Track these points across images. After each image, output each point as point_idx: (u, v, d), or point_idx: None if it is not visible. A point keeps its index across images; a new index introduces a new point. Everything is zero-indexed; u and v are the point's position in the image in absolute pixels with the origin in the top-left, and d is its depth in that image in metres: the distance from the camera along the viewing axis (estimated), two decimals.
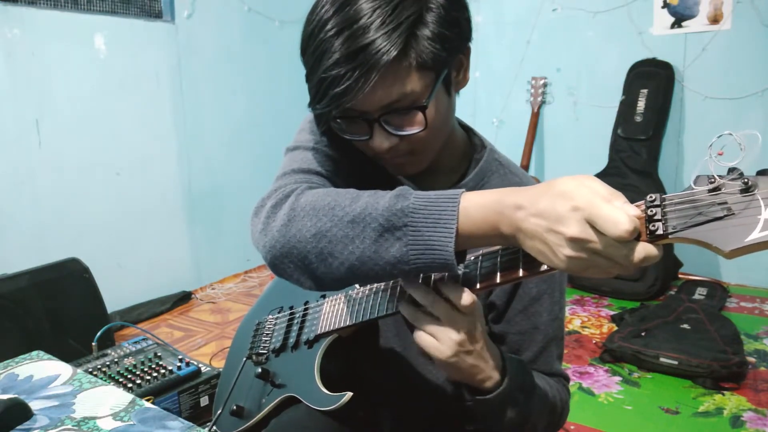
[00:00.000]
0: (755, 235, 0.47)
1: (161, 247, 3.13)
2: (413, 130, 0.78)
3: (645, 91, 3.21)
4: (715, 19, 3.09)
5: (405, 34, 0.72)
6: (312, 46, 0.75)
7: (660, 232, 0.53)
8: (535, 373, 0.86)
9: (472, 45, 0.84)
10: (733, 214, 0.49)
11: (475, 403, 0.77)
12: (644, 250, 0.53)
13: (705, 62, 3.14)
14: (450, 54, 0.77)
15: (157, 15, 3.02)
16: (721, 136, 0.51)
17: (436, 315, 0.70)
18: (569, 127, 3.57)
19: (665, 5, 3.20)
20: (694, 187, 0.52)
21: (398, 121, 0.78)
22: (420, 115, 0.77)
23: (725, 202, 0.50)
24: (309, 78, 0.77)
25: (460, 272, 0.71)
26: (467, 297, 0.68)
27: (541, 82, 3.53)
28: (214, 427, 1.02)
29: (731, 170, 0.50)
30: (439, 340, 0.70)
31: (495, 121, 3.79)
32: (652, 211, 0.54)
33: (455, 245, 0.62)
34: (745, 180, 0.49)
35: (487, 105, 3.80)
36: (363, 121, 0.78)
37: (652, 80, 3.19)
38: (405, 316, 0.74)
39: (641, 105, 3.21)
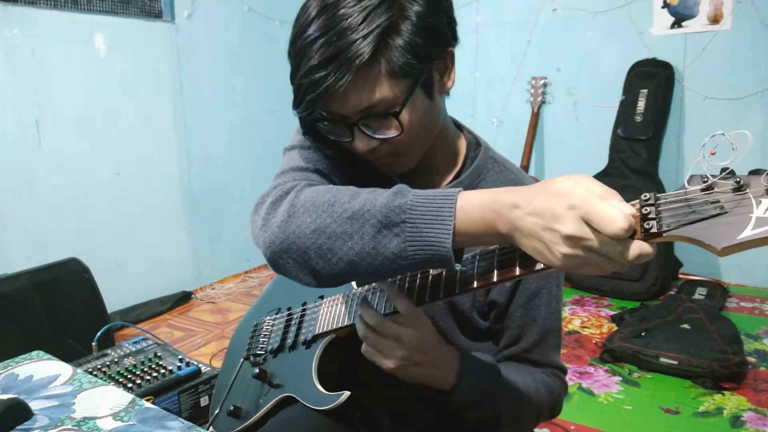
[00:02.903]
0: (747, 233, 0.48)
1: (161, 247, 3.13)
2: (390, 134, 0.79)
3: (645, 91, 3.20)
4: (715, 19, 3.09)
5: (375, 42, 0.72)
6: (294, 50, 0.77)
7: (654, 230, 0.54)
8: (518, 368, 0.89)
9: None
10: (726, 212, 0.50)
11: (440, 401, 0.83)
12: (639, 247, 0.54)
13: (705, 62, 3.14)
14: (424, 62, 0.77)
15: (157, 15, 3.02)
16: (713, 136, 0.52)
17: (381, 333, 0.78)
18: (569, 127, 3.57)
19: (665, 5, 3.20)
20: (687, 186, 0.53)
21: (376, 125, 0.79)
22: (395, 121, 0.78)
23: (718, 201, 0.51)
24: (291, 81, 0.80)
25: (457, 268, 0.71)
26: (403, 305, 0.77)
27: (541, 82, 3.53)
28: (211, 428, 1.03)
29: (724, 170, 0.51)
30: (383, 354, 0.79)
31: (495, 120, 3.79)
32: (646, 209, 0.54)
33: (453, 243, 0.63)
34: (737, 179, 0.50)
35: (487, 105, 3.80)
36: (344, 124, 0.79)
37: (652, 80, 3.19)
38: (358, 332, 0.81)
39: (641, 105, 3.21)
